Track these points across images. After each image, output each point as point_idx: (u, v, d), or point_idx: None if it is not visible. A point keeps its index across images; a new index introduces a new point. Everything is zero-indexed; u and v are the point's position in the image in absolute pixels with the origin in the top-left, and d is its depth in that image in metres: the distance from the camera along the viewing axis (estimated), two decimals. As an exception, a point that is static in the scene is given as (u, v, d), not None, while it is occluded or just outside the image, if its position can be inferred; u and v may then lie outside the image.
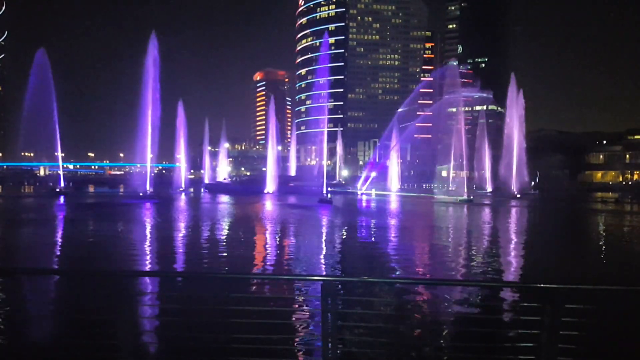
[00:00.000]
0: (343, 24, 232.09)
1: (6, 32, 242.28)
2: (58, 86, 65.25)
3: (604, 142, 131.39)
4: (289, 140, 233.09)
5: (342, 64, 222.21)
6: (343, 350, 5.71)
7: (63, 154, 73.12)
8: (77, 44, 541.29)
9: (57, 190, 67.18)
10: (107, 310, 5.67)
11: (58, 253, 20.68)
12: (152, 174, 64.21)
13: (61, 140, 66.93)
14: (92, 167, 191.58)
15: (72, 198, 59.25)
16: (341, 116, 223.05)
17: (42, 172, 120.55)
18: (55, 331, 9.57)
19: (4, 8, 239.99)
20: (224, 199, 63.36)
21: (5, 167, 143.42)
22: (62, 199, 56.96)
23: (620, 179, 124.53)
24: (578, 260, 19.34)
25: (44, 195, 65.22)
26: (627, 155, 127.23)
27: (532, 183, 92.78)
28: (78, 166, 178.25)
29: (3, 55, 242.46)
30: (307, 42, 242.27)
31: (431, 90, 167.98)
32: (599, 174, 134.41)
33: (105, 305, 5.68)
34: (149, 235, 26.86)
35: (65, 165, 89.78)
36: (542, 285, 5.04)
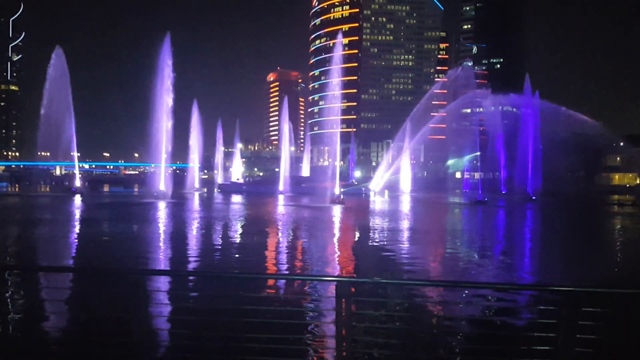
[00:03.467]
0: (357, 24, 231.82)
1: (23, 33, 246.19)
2: (74, 86, 66.07)
3: (621, 144, 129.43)
4: (302, 140, 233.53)
5: (356, 64, 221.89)
6: (357, 351, 5.68)
7: (79, 154, 74.08)
8: (92, 44, 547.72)
9: (73, 189, 67.91)
10: (119, 308, 5.71)
11: (73, 251, 20.92)
12: (167, 174, 64.67)
13: (77, 140, 67.75)
14: (108, 166, 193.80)
15: (87, 197, 59.87)
16: (354, 117, 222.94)
17: (58, 172, 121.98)
18: (69, 328, 9.67)
19: (21, 10, 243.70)
20: (237, 199, 63.59)
21: (22, 166, 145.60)
22: (77, 199, 57.59)
23: (638, 181, 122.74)
24: (597, 263, 19.08)
25: (60, 194, 65.96)
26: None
27: (548, 185, 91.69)
28: (94, 166, 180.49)
29: (20, 55, 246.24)
30: (320, 42, 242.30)
31: (445, 91, 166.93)
32: (616, 176, 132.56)
33: (118, 303, 5.73)
34: (163, 235, 27.03)
35: (81, 165, 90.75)
36: (559, 287, 4.98)
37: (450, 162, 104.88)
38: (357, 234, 28.92)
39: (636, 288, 5.00)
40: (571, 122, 70.47)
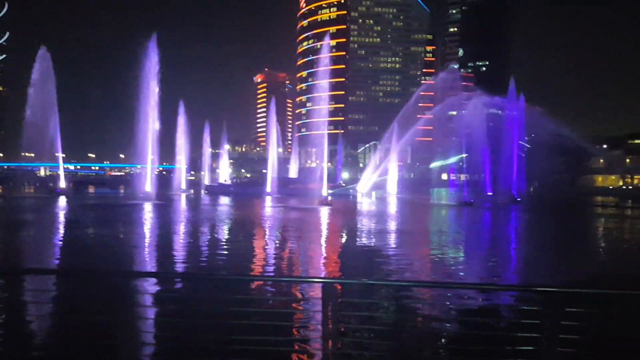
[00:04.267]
0: (344, 26, 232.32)
1: (7, 33, 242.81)
2: (59, 86, 65.27)
3: (605, 146, 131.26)
4: (289, 142, 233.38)
5: (343, 66, 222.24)
6: (344, 352, 5.71)
7: (64, 155, 73.17)
8: (78, 44, 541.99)
9: (58, 190, 67.12)
10: (106, 310, 5.69)
11: (58, 253, 20.70)
12: (153, 175, 64.20)
13: (62, 141, 66.96)
14: (93, 168, 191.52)
15: (72, 199, 59.24)
16: (342, 119, 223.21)
17: (42, 173, 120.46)
18: (54, 331, 9.58)
19: (5, 9, 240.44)
20: (225, 200, 63.34)
21: (6, 167, 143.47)
22: (62, 200, 56.95)
23: (621, 183, 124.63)
24: (581, 263, 19.31)
25: (45, 195, 65.17)
26: (628, 160, 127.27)
27: (532, 187, 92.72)
28: (79, 167, 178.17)
29: (4, 55, 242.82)
30: (308, 44, 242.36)
31: (432, 94, 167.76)
32: (600, 178, 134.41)
33: (105, 306, 5.70)
34: (149, 237, 26.86)
35: (65, 166, 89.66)
36: (542, 288, 5.04)
37: (434, 164, 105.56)
38: (344, 236, 28.97)
39: (618, 288, 5.09)
40: (555, 125, 71.36)
